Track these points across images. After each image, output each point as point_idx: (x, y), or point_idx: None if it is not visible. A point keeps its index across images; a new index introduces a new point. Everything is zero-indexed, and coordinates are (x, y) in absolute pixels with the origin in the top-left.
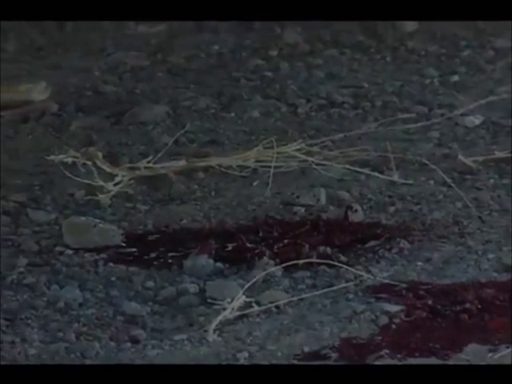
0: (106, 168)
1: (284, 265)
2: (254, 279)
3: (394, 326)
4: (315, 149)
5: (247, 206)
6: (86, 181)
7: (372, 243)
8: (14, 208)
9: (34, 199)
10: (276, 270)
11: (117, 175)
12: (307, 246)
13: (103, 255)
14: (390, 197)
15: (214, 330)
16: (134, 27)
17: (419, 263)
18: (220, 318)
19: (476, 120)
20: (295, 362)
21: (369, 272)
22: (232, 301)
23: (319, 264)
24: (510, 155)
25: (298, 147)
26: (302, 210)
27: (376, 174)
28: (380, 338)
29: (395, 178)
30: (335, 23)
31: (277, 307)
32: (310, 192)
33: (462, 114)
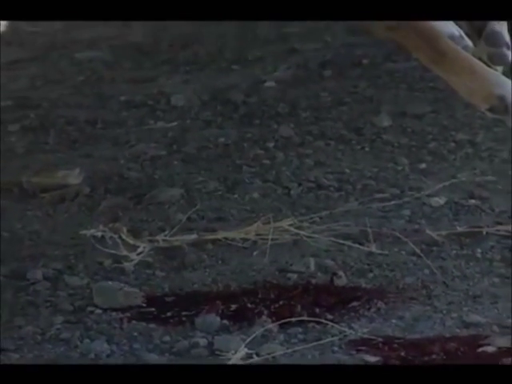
0: (130, 240)
1: (279, 322)
2: (254, 334)
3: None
4: (305, 224)
5: (248, 272)
6: (113, 251)
7: (354, 304)
8: (52, 274)
9: (69, 267)
10: (273, 326)
11: (139, 246)
12: (299, 306)
13: (127, 314)
14: (368, 265)
15: None
16: (153, 123)
17: (393, 321)
18: None
19: (440, 200)
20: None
21: (351, 328)
22: (236, 352)
23: (309, 321)
24: (468, 230)
25: (291, 223)
26: (295, 275)
27: (357, 245)
28: None
29: (373, 249)
30: (322, 121)
31: (273, 358)
32: (301, 261)
33: (428, 195)
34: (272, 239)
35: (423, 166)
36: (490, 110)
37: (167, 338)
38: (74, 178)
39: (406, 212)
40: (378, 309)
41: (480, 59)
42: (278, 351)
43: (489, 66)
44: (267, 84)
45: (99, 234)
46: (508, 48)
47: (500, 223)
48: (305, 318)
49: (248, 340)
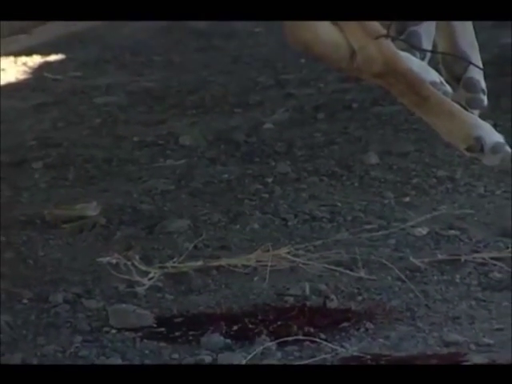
0: (142, 267)
1: (277, 341)
2: (254, 352)
3: None
4: (301, 252)
5: (249, 295)
6: (127, 277)
7: (344, 324)
8: (72, 297)
9: (87, 291)
10: (271, 345)
11: (150, 272)
12: (295, 327)
13: (139, 334)
14: (358, 289)
15: None
16: (163, 161)
17: (380, 340)
18: None
19: (423, 231)
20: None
21: (342, 346)
22: None
23: (304, 340)
24: (448, 258)
25: (288, 251)
26: (291, 299)
27: (347, 271)
28: None
29: (362, 274)
30: (316, 159)
31: None
32: (297, 285)
33: (412, 226)
34: (271, 266)
35: (407, 199)
36: (468, 149)
37: (176, 356)
38: (91, 210)
39: (392, 241)
40: (367, 329)
41: (459, 103)
42: None
43: (466, 110)
44: (266, 125)
45: (114, 261)
46: (484, 93)
47: (477, 251)
48: (300, 337)
49: (249, 357)
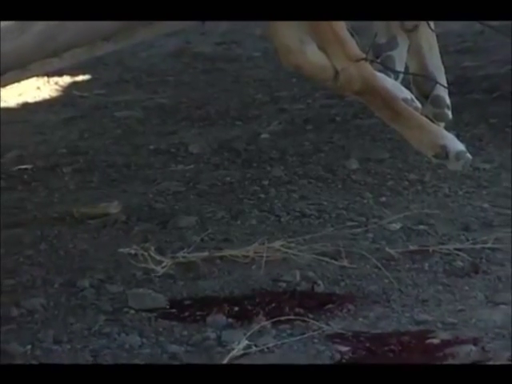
0: (156, 257)
1: (272, 320)
2: (253, 330)
3: (343, 361)
4: (292, 244)
5: (248, 281)
6: (143, 265)
7: (329, 306)
8: (96, 283)
9: (109, 277)
10: (267, 324)
11: (163, 262)
12: (287, 308)
13: (154, 314)
14: (341, 275)
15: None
16: (175, 166)
17: (360, 319)
18: (230, 355)
19: (397, 226)
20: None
21: (328, 325)
22: (238, 344)
23: (295, 320)
24: (418, 249)
25: (282, 244)
26: (284, 284)
27: (332, 261)
28: None
29: (345, 263)
30: (305, 164)
31: (268, 348)
32: (289, 273)
33: (388, 222)
34: (266, 256)
35: (383, 199)
36: (435, 156)
37: (185, 333)
38: (113, 208)
39: (370, 235)
40: (349, 310)
41: (427, 117)
42: (271, 343)
43: (434, 123)
44: (263, 136)
45: (133, 251)
46: (448, 109)
47: (442, 243)
48: (292, 317)
49: (248, 334)
